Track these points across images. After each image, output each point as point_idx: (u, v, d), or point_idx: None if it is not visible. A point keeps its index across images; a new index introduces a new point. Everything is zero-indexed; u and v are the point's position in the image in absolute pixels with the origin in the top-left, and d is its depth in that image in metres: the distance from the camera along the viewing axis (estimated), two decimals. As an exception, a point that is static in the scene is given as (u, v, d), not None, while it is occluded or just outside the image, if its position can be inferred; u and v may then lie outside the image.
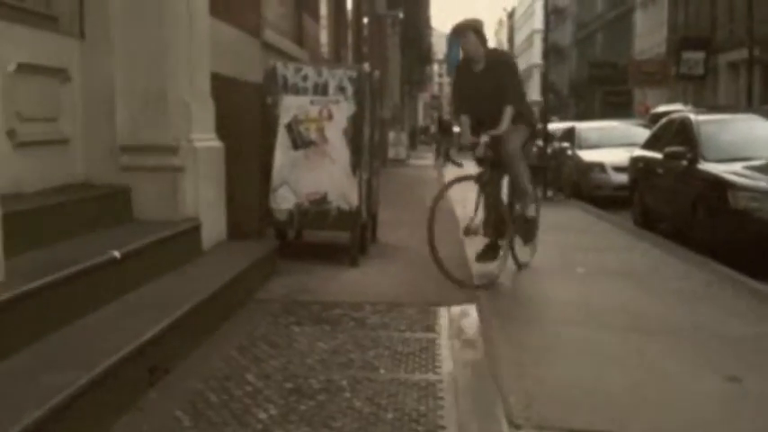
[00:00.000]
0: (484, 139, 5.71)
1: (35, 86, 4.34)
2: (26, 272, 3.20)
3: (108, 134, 4.83)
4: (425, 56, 43.07)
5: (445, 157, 6.77)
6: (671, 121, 10.30)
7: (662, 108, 13.96)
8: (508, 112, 5.74)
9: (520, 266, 6.21)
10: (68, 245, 3.86)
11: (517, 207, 6.20)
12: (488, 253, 6.04)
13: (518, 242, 6.21)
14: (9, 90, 4.05)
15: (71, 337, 3.17)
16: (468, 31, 5.94)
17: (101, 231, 4.27)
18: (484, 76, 5.94)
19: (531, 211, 6.21)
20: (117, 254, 3.72)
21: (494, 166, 5.88)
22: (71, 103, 4.71)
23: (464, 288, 5.29)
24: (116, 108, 4.83)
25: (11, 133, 4.09)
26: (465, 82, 6.14)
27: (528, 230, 6.35)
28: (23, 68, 4.16)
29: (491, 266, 5.81)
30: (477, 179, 5.80)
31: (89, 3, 4.78)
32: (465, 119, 6.10)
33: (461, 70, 6.19)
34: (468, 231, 5.79)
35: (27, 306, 3.01)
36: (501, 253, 5.87)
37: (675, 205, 8.99)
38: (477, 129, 5.92)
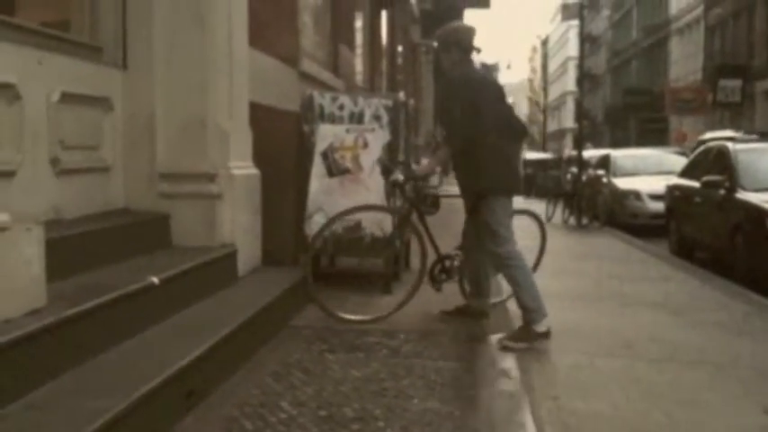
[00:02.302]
0: (398, 176, 5.23)
1: (78, 115, 4.44)
2: (67, 297, 3.27)
3: (148, 162, 4.92)
4: (459, 83, 43.11)
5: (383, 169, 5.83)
6: (708, 150, 10.23)
7: (708, 135, 13.44)
8: (438, 155, 5.19)
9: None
10: (108, 270, 3.93)
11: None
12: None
13: None
14: (53, 118, 4.15)
15: (110, 362, 3.22)
16: (448, 45, 5.04)
17: (140, 257, 4.33)
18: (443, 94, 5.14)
19: (483, 305, 5.25)
20: (155, 279, 3.77)
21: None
22: (112, 132, 4.81)
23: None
24: (156, 136, 4.92)
25: (54, 161, 4.19)
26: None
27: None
28: (67, 98, 4.26)
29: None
30: (391, 211, 5.41)
31: (132, 34, 4.90)
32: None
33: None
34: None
35: (68, 331, 3.06)
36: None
37: (713, 234, 8.90)
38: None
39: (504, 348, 4.56)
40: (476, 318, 5.20)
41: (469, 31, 5.09)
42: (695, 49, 35.46)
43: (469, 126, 4.73)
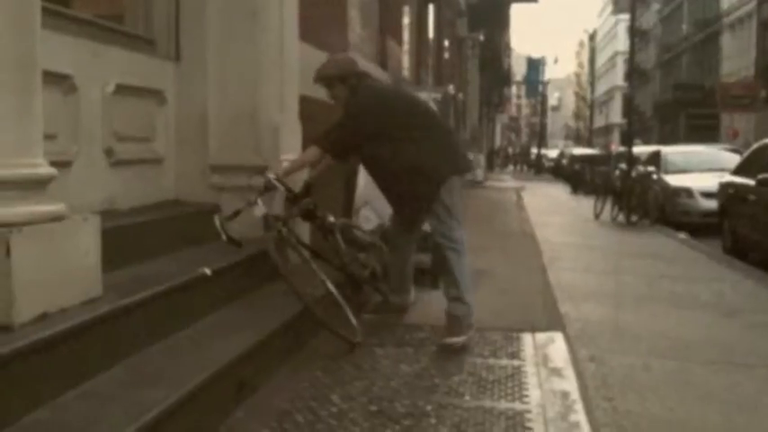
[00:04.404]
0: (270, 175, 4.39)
1: (132, 107, 4.48)
2: (122, 287, 3.29)
3: (199, 154, 4.95)
4: (504, 77, 42.89)
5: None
6: (764, 147, 9.98)
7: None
8: (308, 152, 4.57)
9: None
10: (161, 261, 3.96)
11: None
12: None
13: None
14: (108, 110, 4.19)
15: (163, 352, 3.23)
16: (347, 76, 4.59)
17: (192, 248, 4.35)
18: None
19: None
20: (208, 271, 3.78)
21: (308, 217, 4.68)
22: (165, 124, 4.84)
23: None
24: (208, 129, 4.95)
25: (108, 152, 4.23)
26: None
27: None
28: (122, 89, 4.30)
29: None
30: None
31: (185, 27, 4.93)
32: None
33: None
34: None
35: (123, 321, 3.08)
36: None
37: (768, 234, 8.67)
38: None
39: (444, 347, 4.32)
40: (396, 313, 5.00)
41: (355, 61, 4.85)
42: (748, 45, 34.66)
43: (350, 142, 4.50)
